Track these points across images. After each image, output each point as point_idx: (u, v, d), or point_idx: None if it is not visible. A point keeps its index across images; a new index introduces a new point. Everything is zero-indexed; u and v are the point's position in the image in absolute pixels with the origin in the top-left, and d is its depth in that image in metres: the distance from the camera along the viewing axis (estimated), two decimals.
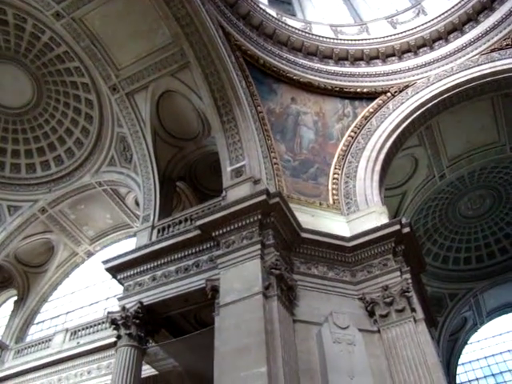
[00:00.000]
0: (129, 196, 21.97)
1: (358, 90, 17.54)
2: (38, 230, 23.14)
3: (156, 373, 15.39)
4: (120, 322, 12.59)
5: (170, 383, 15.45)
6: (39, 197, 21.85)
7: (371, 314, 11.81)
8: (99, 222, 23.65)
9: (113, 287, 22.82)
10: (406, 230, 12.70)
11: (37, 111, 19.80)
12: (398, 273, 12.18)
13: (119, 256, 13.86)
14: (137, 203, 21.23)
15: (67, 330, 21.17)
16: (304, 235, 12.36)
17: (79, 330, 20.76)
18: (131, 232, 22.31)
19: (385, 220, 13.38)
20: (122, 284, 13.67)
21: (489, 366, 29.11)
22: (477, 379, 28.93)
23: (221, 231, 11.90)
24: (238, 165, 13.53)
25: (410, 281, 12.14)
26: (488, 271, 26.95)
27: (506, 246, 26.58)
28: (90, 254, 24.90)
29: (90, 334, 20.17)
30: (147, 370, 14.95)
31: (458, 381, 28.74)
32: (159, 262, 13.06)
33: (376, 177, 14.99)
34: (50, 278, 24.96)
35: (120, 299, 13.27)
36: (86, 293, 24.48)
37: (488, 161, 20.94)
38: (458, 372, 28.92)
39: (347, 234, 13.13)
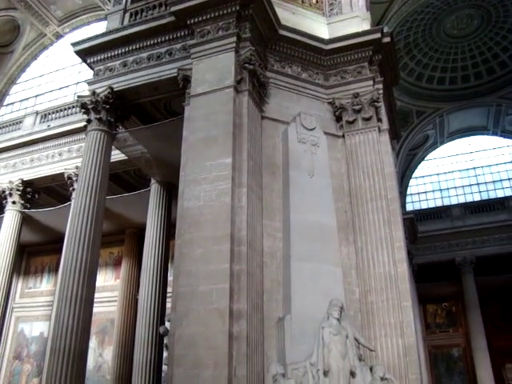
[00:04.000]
0: None
1: None
2: (0, 7, 21.71)
3: (125, 158, 15.99)
4: (90, 107, 12.49)
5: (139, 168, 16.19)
6: None
7: (338, 119, 12.00)
8: (67, 2, 22.19)
9: (83, 72, 22.37)
10: (387, 39, 12.23)
11: None
12: (371, 82, 12.10)
13: (89, 39, 13.19)
14: None
15: (37, 113, 20.99)
16: (282, 32, 11.81)
17: (49, 114, 20.58)
18: (102, 15, 21.12)
19: (366, 27, 12.81)
20: (92, 68, 13.26)
21: (439, 182, 31.49)
22: (425, 192, 31.50)
23: (196, 19, 11.24)
24: None
25: (381, 91, 12.15)
26: (458, 94, 27.34)
27: (481, 72, 26.59)
28: (58, 36, 23.80)
29: (60, 117, 20.07)
30: (117, 156, 15.45)
31: (408, 192, 31.19)
32: (131, 48, 12.49)
33: None
34: (17, 60, 24.17)
35: (90, 84, 12.96)
36: (56, 76, 23.99)
37: None
38: (410, 184, 31.24)
39: (326, 36, 12.61)
